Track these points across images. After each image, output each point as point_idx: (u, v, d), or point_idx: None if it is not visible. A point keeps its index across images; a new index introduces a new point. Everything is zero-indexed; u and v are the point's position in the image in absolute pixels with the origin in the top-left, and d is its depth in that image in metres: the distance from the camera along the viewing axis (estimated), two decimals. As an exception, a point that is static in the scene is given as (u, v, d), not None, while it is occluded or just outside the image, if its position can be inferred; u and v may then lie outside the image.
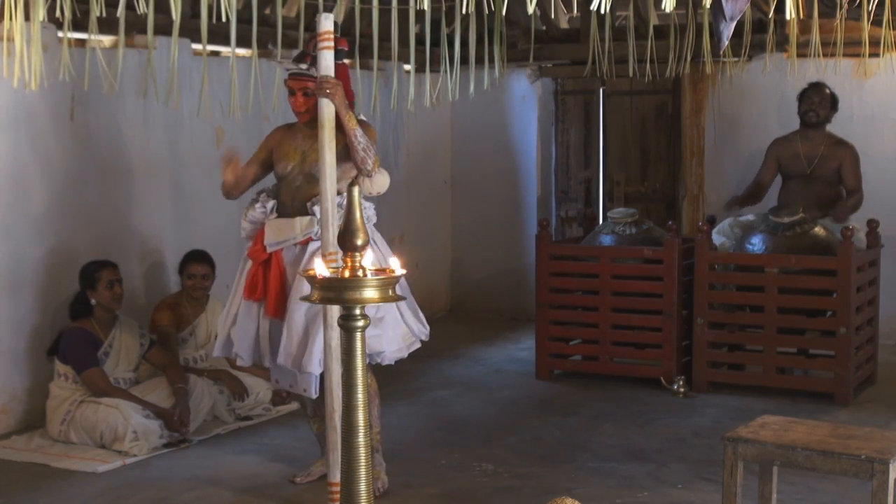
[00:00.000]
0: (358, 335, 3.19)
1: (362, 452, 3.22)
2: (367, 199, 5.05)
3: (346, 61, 5.00)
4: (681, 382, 6.62)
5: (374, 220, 4.97)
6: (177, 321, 6.17)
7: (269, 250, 4.87)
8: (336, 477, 4.42)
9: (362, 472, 3.22)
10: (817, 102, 7.07)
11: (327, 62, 4.62)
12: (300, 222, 4.87)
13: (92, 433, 5.52)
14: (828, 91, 7.12)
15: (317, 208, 4.88)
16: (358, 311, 3.17)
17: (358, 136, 4.78)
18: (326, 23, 4.62)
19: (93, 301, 5.74)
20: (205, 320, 6.29)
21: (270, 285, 4.84)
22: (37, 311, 5.95)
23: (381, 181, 4.94)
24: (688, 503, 4.79)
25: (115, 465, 5.27)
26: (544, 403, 6.55)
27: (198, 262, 6.23)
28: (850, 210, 6.99)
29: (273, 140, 5.08)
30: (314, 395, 4.86)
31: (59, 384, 5.67)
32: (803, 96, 7.16)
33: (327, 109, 4.62)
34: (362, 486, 3.22)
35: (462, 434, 5.88)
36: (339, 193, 4.83)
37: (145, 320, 6.32)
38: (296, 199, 4.92)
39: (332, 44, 4.61)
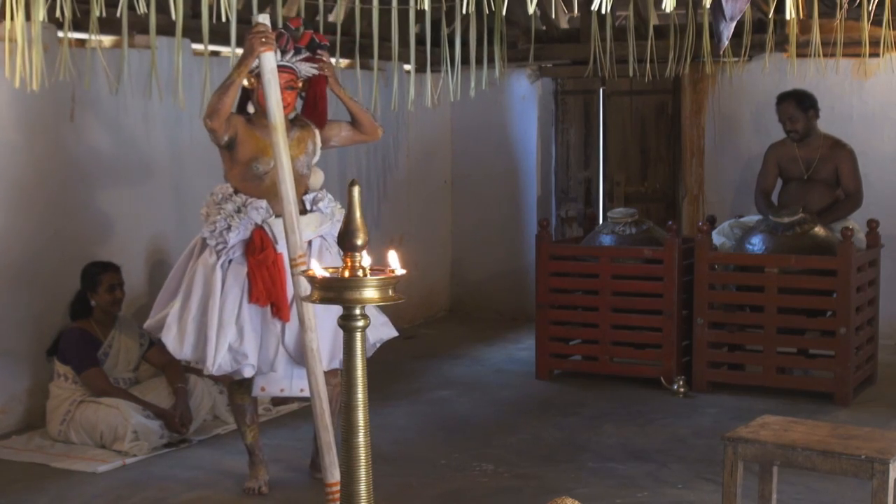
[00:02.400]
0: (358, 335, 3.19)
1: (362, 452, 3.22)
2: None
3: (331, 59, 4.95)
4: (681, 382, 6.62)
5: None
6: None
7: (280, 250, 4.75)
8: (334, 477, 4.42)
9: (362, 472, 3.21)
10: (789, 119, 6.94)
11: (271, 64, 4.54)
12: (314, 219, 4.84)
13: (92, 433, 5.52)
14: (793, 99, 6.94)
15: (321, 204, 4.89)
16: (358, 311, 3.17)
17: (361, 105, 4.95)
18: (263, 18, 4.59)
19: (93, 302, 5.74)
20: None
21: (281, 288, 4.74)
22: (37, 311, 5.94)
23: (318, 179, 5.01)
24: (688, 503, 4.80)
25: (115, 465, 5.27)
26: (544, 403, 6.55)
27: None
28: (846, 213, 6.96)
29: (238, 126, 4.81)
30: (309, 395, 4.81)
31: (59, 384, 5.67)
32: (778, 112, 7.04)
33: (278, 111, 4.51)
34: (362, 486, 3.22)
35: (462, 434, 5.88)
36: (308, 191, 4.91)
37: (142, 322, 6.31)
38: None
39: (273, 45, 4.56)
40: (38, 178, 5.96)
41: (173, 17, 4.52)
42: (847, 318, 6.35)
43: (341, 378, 3.29)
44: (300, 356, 4.75)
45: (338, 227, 4.87)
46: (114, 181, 6.41)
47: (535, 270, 7.19)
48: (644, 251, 6.84)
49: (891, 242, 7.26)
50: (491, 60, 6.40)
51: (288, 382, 4.88)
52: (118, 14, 4.29)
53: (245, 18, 5.87)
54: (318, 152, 4.99)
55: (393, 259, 3.34)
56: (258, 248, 4.75)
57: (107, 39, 6.07)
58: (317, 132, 4.97)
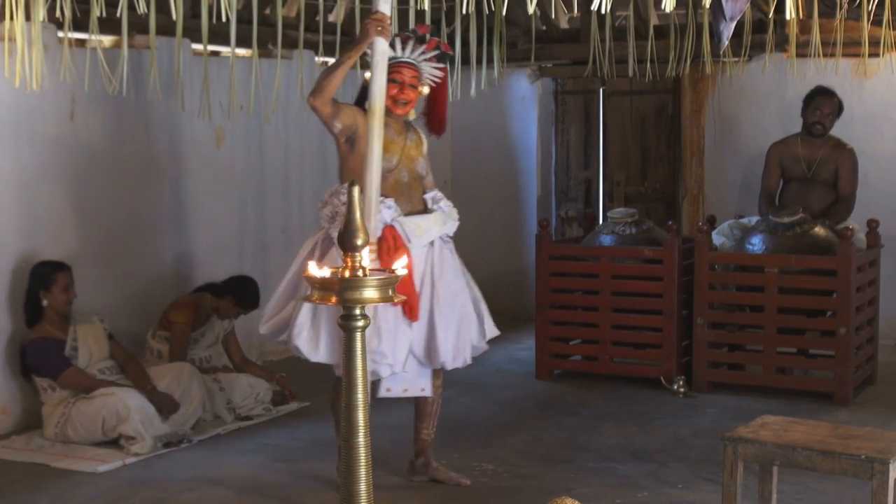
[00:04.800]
0: (358, 335, 3.19)
1: (362, 452, 3.22)
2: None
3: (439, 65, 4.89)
4: (681, 382, 6.62)
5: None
6: (194, 321, 6.18)
7: (415, 250, 4.72)
8: None
9: (362, 472, 3.22)
10: (826, 115, 6.92)
11: (382, 47, 4.49)
12: (439, 218, 4.85)
13: (92, 425, 5.45)
14: (836, 100, 6.96)
15: (442, 203, 4.92)
16: (358, 311, 3.17)
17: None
18: (384, 6, 4.52)
19: (44, 302, 5.65)
20: (218, 322, 6.32)
21: (411, 288, 4.67)
22: (37, 311, 5.93)
23: None
24: (688, 503, 4.80)
25: (115, 465, 5.26)
26: (544, 403, 6.55)
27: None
28: (842, 218, 6.95)
29: (358, 119, 4.71)
30: (431, 395, 4.93)
31: (47, 397, 5.61)
32: (810, 104, 6.98)
33: (380, 96, 4.44)
34: (362, 486, 3.22)
35: (462, 434, 5.88)
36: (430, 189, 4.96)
37: (142, 321, 6.33)
38: (413, 196, 4.84)
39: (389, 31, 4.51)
40: (38, 178, 5.95)
41: (173, 17, 4.52)
42: (847, 318, 6.35)
43: (343, 377, 3.28)
44: (424, 355, 4.82)
45: (456, 226, 4.96)
46: (114, 181, 6.41)
47: (535, 270, 7.19)
48: (644, 251, 6.84)
49: (891, 242, 7.26)
50: (491, 60, 6.40)
51: (413, 382, 4.85)
52: (118, 14, 4.30)
53: (245, 18, 5.87)
54: None
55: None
56: (392, 247, 4.65)
57: (107, 39, 6.07)
58: (425, 140, 4.99)
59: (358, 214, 3.21)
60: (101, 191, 6.33)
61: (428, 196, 4.94)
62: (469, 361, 4.98)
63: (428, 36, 4.79)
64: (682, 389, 6.60)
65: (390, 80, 4.67)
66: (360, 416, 3.21)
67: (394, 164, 4.77)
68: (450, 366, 4.87)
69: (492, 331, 5.07)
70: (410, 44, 4.75)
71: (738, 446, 3.88)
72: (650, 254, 6.80)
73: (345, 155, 4.82)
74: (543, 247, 7.07)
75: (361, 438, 3.21)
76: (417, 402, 5.03)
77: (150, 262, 6.66)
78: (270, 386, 6.28)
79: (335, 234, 4.66)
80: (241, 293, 6.32)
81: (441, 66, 4.86)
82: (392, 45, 4.68)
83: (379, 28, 4.49)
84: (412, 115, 4.93)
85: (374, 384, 4.82)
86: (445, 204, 4.95)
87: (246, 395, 6.12)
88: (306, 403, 6.37)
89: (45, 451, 5.47)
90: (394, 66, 4.69)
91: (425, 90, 4.85)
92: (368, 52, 4.61)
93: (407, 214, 4.78)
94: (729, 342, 6.83)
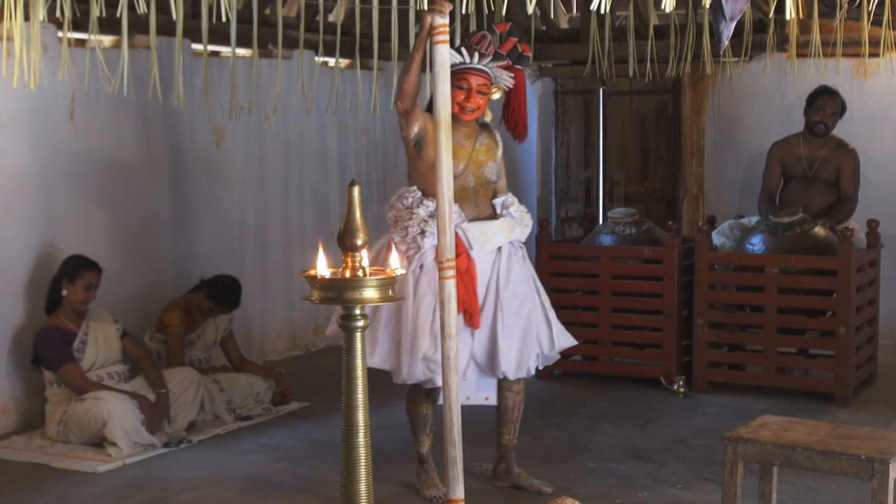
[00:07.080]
0: (358, 335, 3.18)
1: (362, 452, 3.22)
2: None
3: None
4: (681, 382, 6.62)
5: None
6: (187, 322, 6.17)
7: (476, 256, 4.66)
8: (456, 493, 4.33)
9: (362, 472, 3.21)
10: (829, 115, 6.92)
11: (443, 57, 4.32)
12: (506, 224, 4.74)
13: (82, 427, 5.47)
14: (840, 100, 6.96)
15: (512, 209, 4.80)
16: (358, 311, 3.16)
17: None
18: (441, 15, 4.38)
19: (64, 292, 5.68)
20: (213, 324, 6.31)
21: (473, 295, 4.61)
22: (36, 311, 5.93)
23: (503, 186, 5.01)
24: (688, 503, 4.79)
25: (115, 465, 5.26)
26: (544, 403, 6.54)
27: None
28: (843, 218, 6.95)
29: (427, 124, 4.62)
30: (495, 403, 4.87)
31: (52, 392, 5.63)
32: (813, 103, 6.98)
33: (444, 106, 4.27)
34: (362, 486, 3.22)
35: (462, 434, 5.86)
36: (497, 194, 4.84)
37: (142, 321, 6.32)
38: (479, 201, 4.74)
39: (447, 38, 4.33)
40: (38, 178, 5.95)
41: (173, 17, 4.51)
42: (847, 318, 6.35)
43: (343, 377, 3.27)
44: (486, 364, 4.74)
45: (527, 232, 4.83)
46: (113, 181, 6.41)
47: (535, 270, 7.17)
48: (644, 251, 6.83)
49: (891, 242, 7.26)
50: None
51: (474, 391, 4.76)
52: (118, 14, 4.28)
53: (245, 18, 5.87)
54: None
55: (393, 259, 3.35)
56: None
57: (107, 39, 6.07)
58: (500, 143, 4.88)
59: (358, 214, 3.20)
60: (101, 191, 6.33)
61: (497, 201, 4.81)
62: (532, 372, 4.88)
63: (505, 35, 4.70)
64: (681, 389, 6.60)
65: (457, 87, 4.56)
66: (361, 416, 3.20)
67: (460, 170, 4.65)
68: (512, 376, 4.77)
69: (564, 340, 4.93)
70: (486, 47, 4.63)
71: (738, 446, 3.87)
72: (650, 254, 6.80)
73: (413, 159, 4.75)
74: (543, 247, 7.07)
75: (361, 438, 3.21)
76: (499, 408, 4.93)
77: (150, 262, 6.65)
78: (270, 386, 6.27)
79: (397, 239, 4.64)
80: (216, 289, 6.25)
81: (515, 70, 4.75)
82: (459, 52, 4.60)
83: (433, 7, 4.29)
84: (488, 117, 4.80)
85: (437, 391, 4.76)
86: (516, 209, 4.81)
87: (246, 395, 6.12)
88: (306, 404, 6.37)
89: (45, 451, 5.47)
90: (462, 73, 4.61)
91: (496, 95, 4.76)
92: (462, 61, 4.52)
93: (473, 220, 4.68)
94: (729, 342, 6.83)
